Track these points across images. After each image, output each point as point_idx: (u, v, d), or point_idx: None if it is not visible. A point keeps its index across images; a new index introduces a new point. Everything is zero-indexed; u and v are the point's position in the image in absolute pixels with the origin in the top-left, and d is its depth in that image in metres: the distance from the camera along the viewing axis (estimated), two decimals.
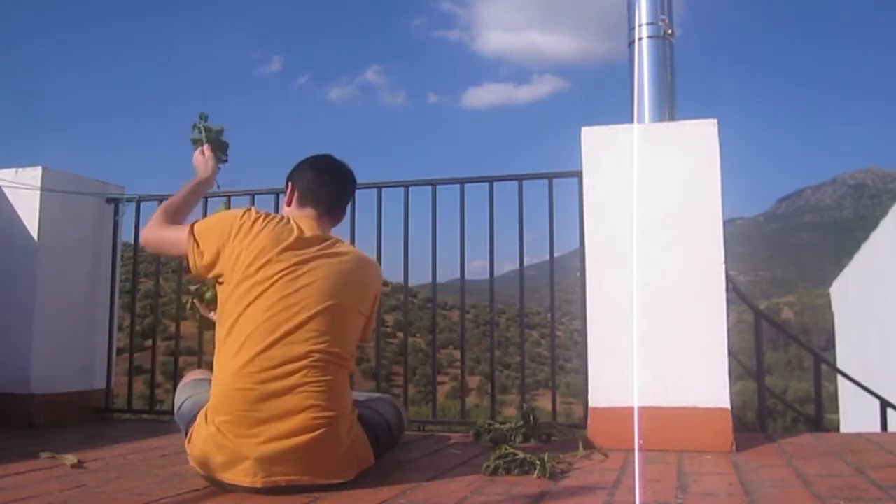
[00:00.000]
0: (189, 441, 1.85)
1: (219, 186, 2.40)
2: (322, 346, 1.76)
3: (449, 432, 2.86)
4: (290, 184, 2.05)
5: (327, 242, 1.90)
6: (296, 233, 1.86)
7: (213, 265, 1.85)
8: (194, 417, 1.85)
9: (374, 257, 2.02)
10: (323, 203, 2.00)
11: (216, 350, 1.82)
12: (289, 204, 2.03)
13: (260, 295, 1.76)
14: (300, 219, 1.94)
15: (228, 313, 1.79)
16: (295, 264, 1.80)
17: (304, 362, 1.73)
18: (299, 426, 1.70)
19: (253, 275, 1.78)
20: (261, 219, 1.87)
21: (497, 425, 2.56)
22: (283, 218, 1.93)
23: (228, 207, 3.24)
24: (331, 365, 1.77)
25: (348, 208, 3.04)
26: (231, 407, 1.72)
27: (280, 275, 1.77)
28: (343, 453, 1.78)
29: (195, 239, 1.88)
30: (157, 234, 2.02)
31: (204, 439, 1.76)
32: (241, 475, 1.71)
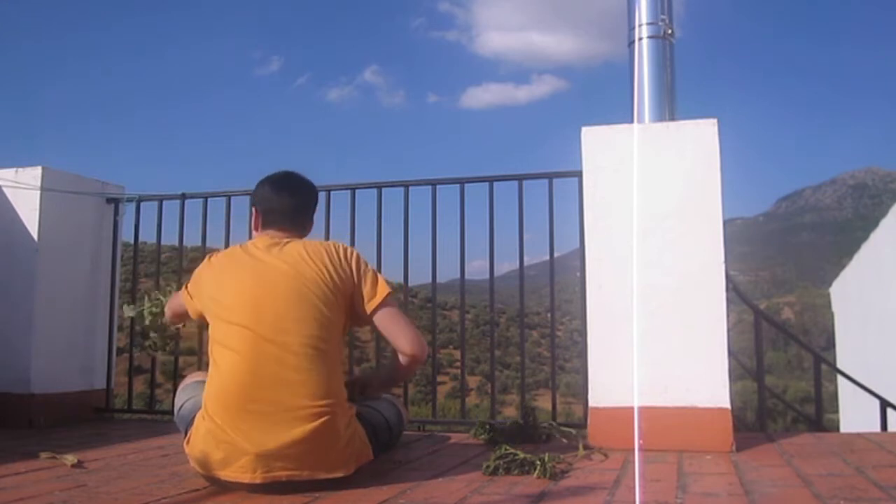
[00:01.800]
0: (188, 441, 1.86)
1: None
2: (302, 338, 1.78)
3: (449, 432, 2.86)
4: (253, 209, 2.11)
5: (278, 247, 1.93)
6: (249, 249, 1.95)
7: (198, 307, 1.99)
8: (194, 419, 1.86)
9: (335, 241, 2.05)
10: (287, 215, 2.05)
11: (210, 358, 1.87)
12: (256, 229, 2.09)
13: (238, 305, 1.83)
14: (255, 239, 2.03)
15: (215, 329, 1.87)
16: (258, 272, 1.87)
17: (293, 356, 1.76)
18: (296, 420, 1.72)
19: (227, 290, 1.88)
20: (217, 255, 2.03)
21: (497, 425, 2.56)
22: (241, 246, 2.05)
23: (228, 207, 3.25)
24: (317, 357, 1.79)
25: (348, 210, 3.09)
26: (228, 405, 1.75)
27: (249, 283, 1.85)
28: (342, 448, 1.79)
29: (188, 293, 2.02)
30: (168, 307, 2.27)
31: (203, 436, 1.77)
32: (240, 471, 1.72)
